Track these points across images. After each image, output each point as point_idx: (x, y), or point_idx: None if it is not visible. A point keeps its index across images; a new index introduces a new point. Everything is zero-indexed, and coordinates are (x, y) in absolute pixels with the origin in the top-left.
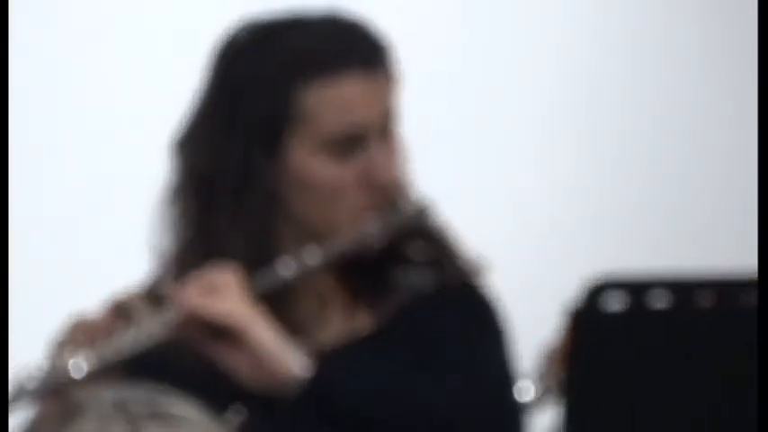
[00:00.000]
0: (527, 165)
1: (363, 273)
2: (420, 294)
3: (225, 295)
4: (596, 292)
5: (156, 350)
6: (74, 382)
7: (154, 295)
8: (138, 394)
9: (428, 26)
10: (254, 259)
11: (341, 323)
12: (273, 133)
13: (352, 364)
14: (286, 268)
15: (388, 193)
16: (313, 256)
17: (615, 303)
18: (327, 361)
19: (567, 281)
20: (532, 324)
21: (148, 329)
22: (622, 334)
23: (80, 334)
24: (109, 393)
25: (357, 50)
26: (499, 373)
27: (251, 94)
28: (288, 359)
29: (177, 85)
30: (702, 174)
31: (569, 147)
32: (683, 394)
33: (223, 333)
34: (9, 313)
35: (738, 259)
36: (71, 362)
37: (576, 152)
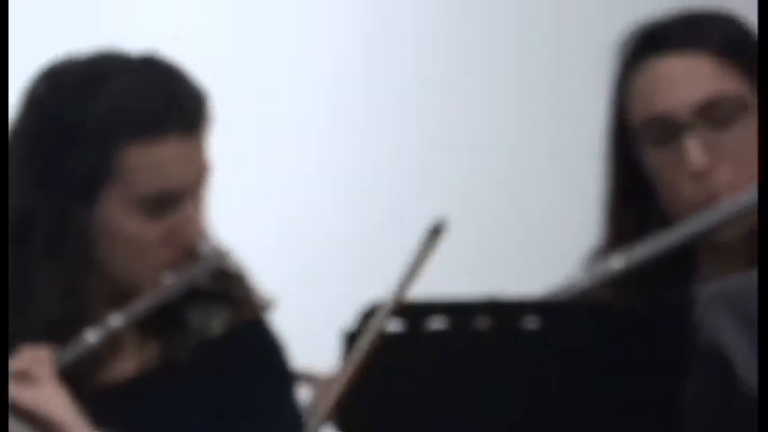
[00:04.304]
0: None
1: (155, 311)
2: (210, 336)
3: (38, 386)
4: (370, 315)
5: None
6: None
7: None
8: None
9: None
10: (66, 308)
11: (130, 362)
12: (89, 186)
13: None
14: (93, 335)
15: (192, 250)
16: (117, 321)
17: (391, 326)
18: None
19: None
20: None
21: None
22: (398, 355)
23: None
24: None
25: (176, 113)
26: (289, 413)
27: (69, 148)
28: None
29: None
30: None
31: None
32: (460, 415)
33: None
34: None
35: (521, 285)
36: None
37: (363, 172)
